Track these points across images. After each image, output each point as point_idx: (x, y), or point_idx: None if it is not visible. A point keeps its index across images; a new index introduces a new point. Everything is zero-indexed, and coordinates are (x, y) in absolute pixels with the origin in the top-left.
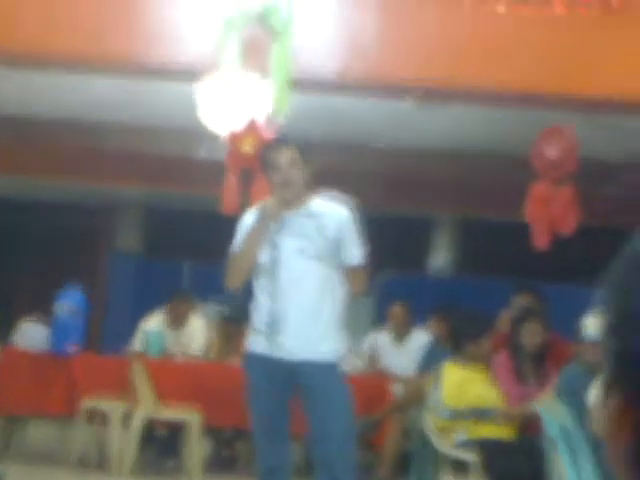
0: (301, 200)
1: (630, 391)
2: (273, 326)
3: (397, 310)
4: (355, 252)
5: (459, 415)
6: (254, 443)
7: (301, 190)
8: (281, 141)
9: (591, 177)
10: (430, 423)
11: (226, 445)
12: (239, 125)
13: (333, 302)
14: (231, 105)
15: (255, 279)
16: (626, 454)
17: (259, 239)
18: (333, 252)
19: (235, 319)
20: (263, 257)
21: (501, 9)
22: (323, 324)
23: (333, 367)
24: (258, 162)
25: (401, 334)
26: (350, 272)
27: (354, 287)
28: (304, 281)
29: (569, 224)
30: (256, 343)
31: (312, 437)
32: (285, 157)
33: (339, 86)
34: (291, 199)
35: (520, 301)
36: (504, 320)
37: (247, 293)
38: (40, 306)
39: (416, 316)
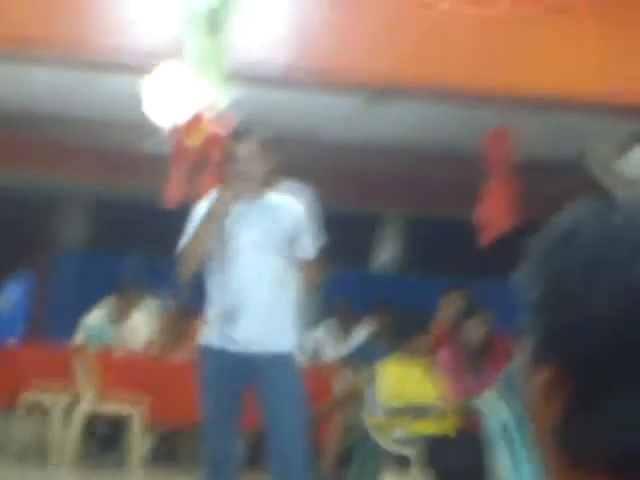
0: (258, 193)
1: (561, 366)
2: (227, 319)
3: (340, 306)
4: (310, 245)
5: (395, 413)
6: (203, 435)
7: (258, 183)
8: (242, 133)
9: (540, 174)
10: (368, 420)
11: (167, 440)
12: (183, 119)
13: (288, 295)
14: (175, 99)
15: (208, 271)
16: (553, 431)
17: (209, 230)
18: (288, 245)
19: (181, 312)
20: (216, 249)
21: (445, 7)
22: (278, 317)
23: (288, 360)
24: (204, 156)
25: (345, 329)
26: (305, 266)
27: (308, 281)
28: (259, 274)
29: (510, 221)
30: (210, 336)
31: (267, 429)
32: (244, 149)
33: (288, 81)
34: (246, 192)
35: (452, 300)
36: (445, 316)
37: (193, 286)
38: None
39: (359, 312)
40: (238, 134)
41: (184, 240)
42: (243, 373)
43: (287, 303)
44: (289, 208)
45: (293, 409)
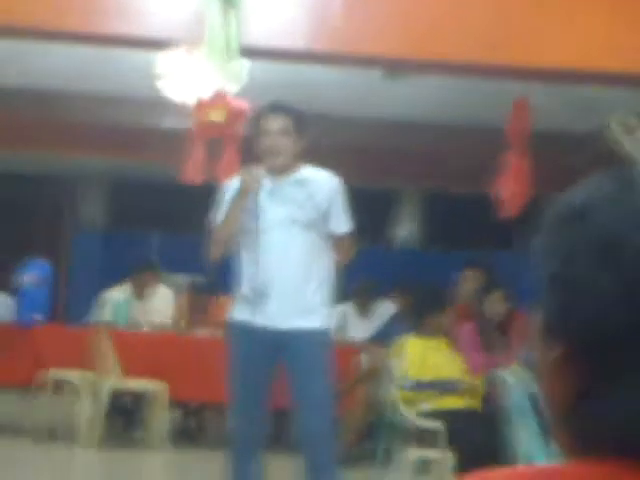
0: (291, 169)
1: (572, 345)
2: (259, 294)
3: (361, 284)
4: (343, 221)
5: (422, 387)
6: (230, 411)
7: (290, 159)
8: (275, 107)
9: (557, 148)
10: (394, 394)
11: (193, 417)
12: (204, 95)
13: (320, 271)
14: (193, 75)
15: (240, 247)
16: (562, 405)
17: (240, 208)
18: (322, 220)
19: (205, 290)
20: (248, 225)
21: None
22: (311, 293)
23: (319, 336)
24: (226, 132)
25: (366, 306)
26: (338, 241)
27: (341, 256)
28: (291, 249)
29: (528, 194)
30: (240, 311)
31: (295, 406)
32: (276, 124)
33: (305, 56)
34: (277, 168)
35: (468, 277)
36: (464, 292)
37: (215, 264)
38: (3, 278)
39: (381, 288)
40: (271, 108)
41: (216, 219)
42: (273, 349)
43: (319, 279)
44: (323, 182)
45: (323, 387)
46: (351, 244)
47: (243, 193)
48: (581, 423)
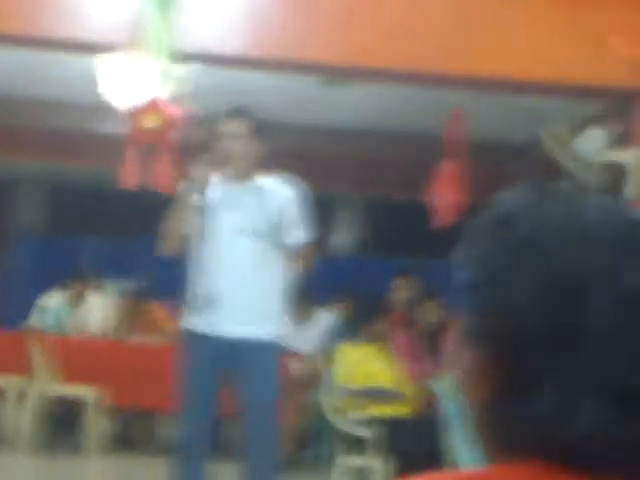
0: (247, 175)
1: (493, 348)
2: (206, 302)
3: (298, 291)
4: (297, 233)
5: (353, 395)
6: (180, 417)
7: (247, 164)
8: (233, 112)
9: (496, 156)
10: (326, 402)
11: (125, 425)
12: (140, 100)
13: (272, 280)
14: (131, 80)
15: (190, 254)
16: (486, 408)
17: (185, 202)
18: (273, 230)
19: (140, 295)
20: (198, 230)
21: None
22: (260, 302)
23: (270, 346)
24: (161, 139)
25: (303, 314)
26: (292, 251)
27: (296, 266)
28: (240, 257)
29: (461, 204)
30: (192, 320)
31: (243, 413)
32: (232, 128)
33: (244, 61)
34: (233, 172)
35: (401, 285)
36: (397, 301)
37: (150, 270)
38: None
39: (319, 295)
40: (229, 112)
41: (165, 216)
42: (223, 358)
43: (270, 289)
44: (277, 192)
45: (271, 396)
46: (309, 254)
47: (190, 190)
48: (504, 425)
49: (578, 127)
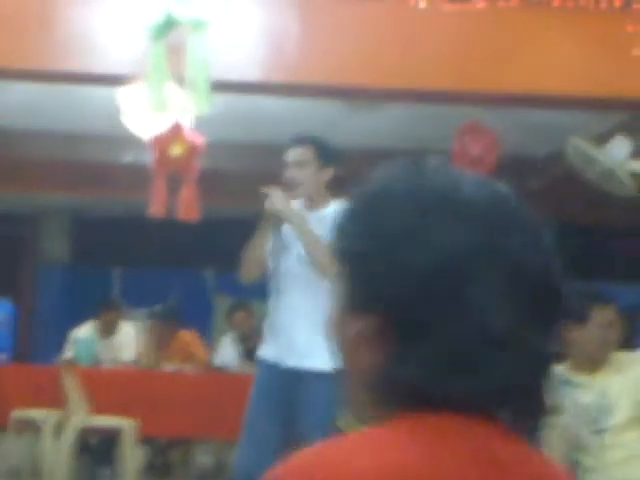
0: (319, 204)
1: (382, 313)
2: (276, 333)
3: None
4: None
5: None
6: (240, 445)
7: (310, 191)
8: (297, 139)
9: (515, 172)
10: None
11: (161, 453)
12: (163, 129)
13: (323, 309)
14: (153, 110)
15: (270, 284)
16: (371, 374)
17: (262, 234)
18: None
19: (166, 317)
20: (274, 261)
21: (422, 5)
22: (319, 332)
23: (330, 377)
24: (185, 167)
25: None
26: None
27: None
28: (305, 288)
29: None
30: (265, 349)
31: (298, 441)
32: (293, 155)
33: (261, 88)
34: (296, 199)
35: None
36: None
37: (179, 299)
38: None
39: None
40: (291, 140)
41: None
42: (289, 389)
43: (321, 318)
44: (330, 218)
45: (324, 427)
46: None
47: (265, 220)
48: (391, 386)
49: (603, 138)
